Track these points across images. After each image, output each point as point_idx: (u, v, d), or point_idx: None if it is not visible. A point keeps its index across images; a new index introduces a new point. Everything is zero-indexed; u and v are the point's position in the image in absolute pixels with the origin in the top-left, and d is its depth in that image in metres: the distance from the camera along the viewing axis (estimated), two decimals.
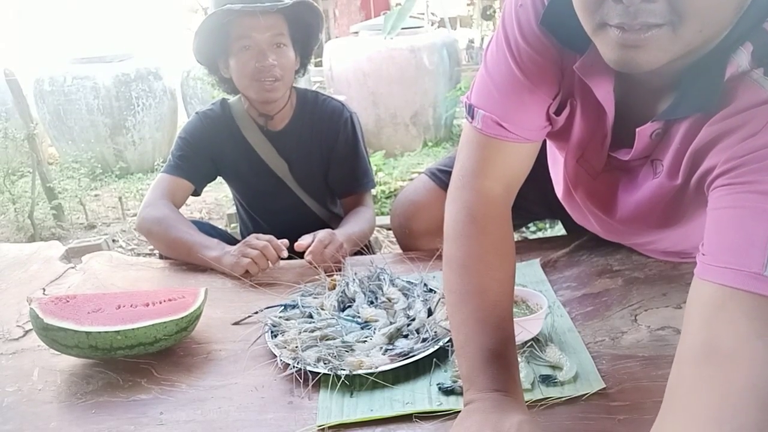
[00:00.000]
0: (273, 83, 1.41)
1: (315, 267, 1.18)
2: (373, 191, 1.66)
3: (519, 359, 0.86)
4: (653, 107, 0.77)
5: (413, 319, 0.98)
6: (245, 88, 1.46)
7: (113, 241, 3.62)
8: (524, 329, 0.89)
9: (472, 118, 0.84)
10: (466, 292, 0.78)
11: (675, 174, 0.77)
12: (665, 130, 0.77)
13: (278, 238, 1.27)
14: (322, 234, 1.27)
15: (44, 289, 1.25)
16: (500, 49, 0.81)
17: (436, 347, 0.90)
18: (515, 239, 0.93)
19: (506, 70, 0.81)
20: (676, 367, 0.58)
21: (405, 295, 1.06)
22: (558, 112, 0.84)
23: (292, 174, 1.57)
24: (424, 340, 0.91)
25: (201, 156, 1.53)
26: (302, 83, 1.57)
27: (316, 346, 0.92)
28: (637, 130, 0.76)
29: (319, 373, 0.86)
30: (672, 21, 0.60)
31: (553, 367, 0.86)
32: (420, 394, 0.83)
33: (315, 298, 1.09)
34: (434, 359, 0.90)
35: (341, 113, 1.55)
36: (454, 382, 0.83)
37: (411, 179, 4.40)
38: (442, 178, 1.43)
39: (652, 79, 0.73)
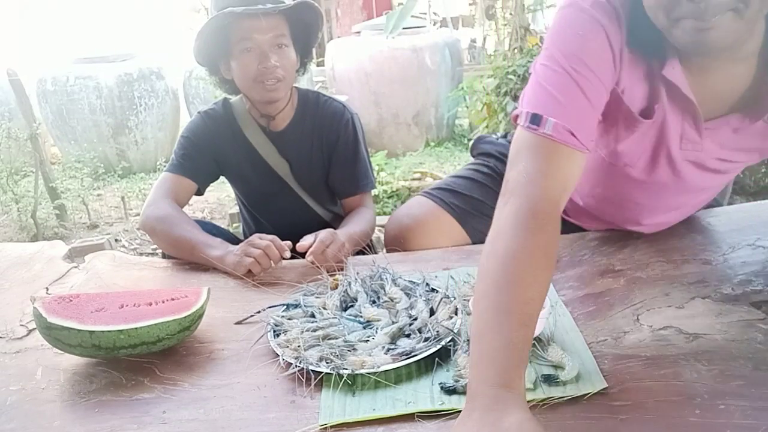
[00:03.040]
0: (275, 84, 1.41)
1: (317, 267, 1.19)
2: (375, 191, 1.66)
3: None
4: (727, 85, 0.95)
5: (415, 319, 0.98)
6: (248, 90, 1.46)
7: (116, 240, 3.63)
8: None
9: (538, 125, 0.89)
10: (506, 282, 0.77)
11: None
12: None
13: (280, 238, 1.27)
14: (323, 234, 1.27)
15: (47, 289, 1.26)
16: (570, 68, 0.91)
17: (438, 347, 0.90)
18: None
19: (573, 85, 0.91)
20: None
21: (407, 294, 1.06)
22: (647, 116, 0.99)
23: (293, 174, 1.57)
24: (426, 339, 0.91)
25: (204, 155, 1.53)
26: (304, 83, 1.57)
27: (319, 345, 0.92)
28: None
29: (321, 372, 0.86)
30: (737, 8, 0.76)
31: (556, 367, 0.86)
32: (422, 394, 0.83)
33: (317, 297, 1.09)
34: (436, 359, 0.90)
35: (342, 114, 1.56)
36: (456, 381, 0.83)
37: (413, 179, 4.40)
38: (439, 196, 1.46)
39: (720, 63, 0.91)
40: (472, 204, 1.44)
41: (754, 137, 1.02)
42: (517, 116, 0.95)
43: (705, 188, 1.20)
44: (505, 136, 1.62)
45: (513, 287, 0.77)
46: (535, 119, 0.91)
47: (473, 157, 1.62)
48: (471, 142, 1.64)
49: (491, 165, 1.51)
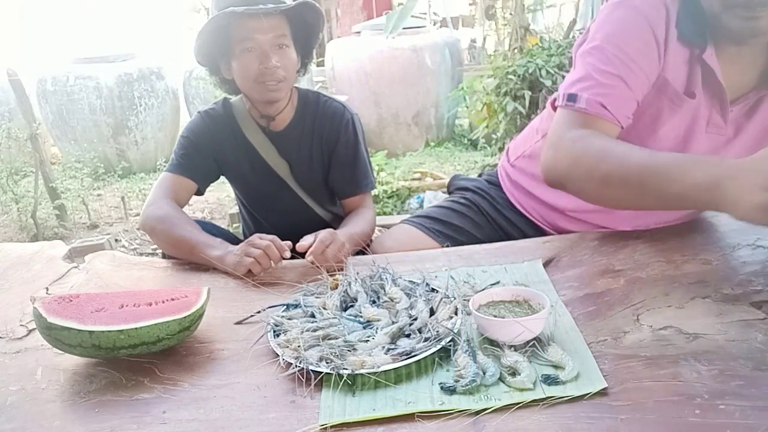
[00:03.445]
0: (276, 84, 1.41)
1: (317, 267, 1.19)
2: (375, 191, 1.67)
3: (521, 358, 0.86)
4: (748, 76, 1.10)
5: (415, 319, 0.98)
6: (248, 90, 1.46)
7: (116, 240, 3.63)
8: (526, 329, 0.89)
9: (574, 102, 1.06)
10: (652, 154, 0.98)
11: None
12: None
13: (280, 238, 1.27)
14: (323, 234, 1.27)
15: (47, 289, 1.26)
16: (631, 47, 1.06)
17: (439, 347, 0.90)
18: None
19: (612, 68, 1.05)
20: None
21: (407, 294, 1.06)
22: (691, 95, 1.09)
23: (292, 174, 1.57)
24: (426, 339, 0.91)
25: (204, 155, 1.53)
26: (304, 83, 1.58)
27: (319, 345, 0.92)
28: None
29: (321, 372, 0.86)
30: None
31: (556, 367, 0.86)
32: (422, 394, 0.83)
33: (317, 297, 1.09)
34: (436, 359, 0.90)
35: (342, 115, 1.56)
36: (456, 381, 0.83)
37: (413, 179, 4.40)
38: (421, 222, 1.52)
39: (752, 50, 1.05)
40: (453, 229, 1.50)
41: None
42: (555, 100, 1.09)
43: None
44: (480, 176, 1.70)
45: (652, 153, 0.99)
46: (572, 97, 1.05)
47: (450, 194, 1.67)
48: (447, 181, 1.74)
49: (468, 197, 1.57)
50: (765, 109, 1.10)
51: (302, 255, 1.25)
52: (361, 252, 1.39)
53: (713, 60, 1.05)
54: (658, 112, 1.12)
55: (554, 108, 1.11)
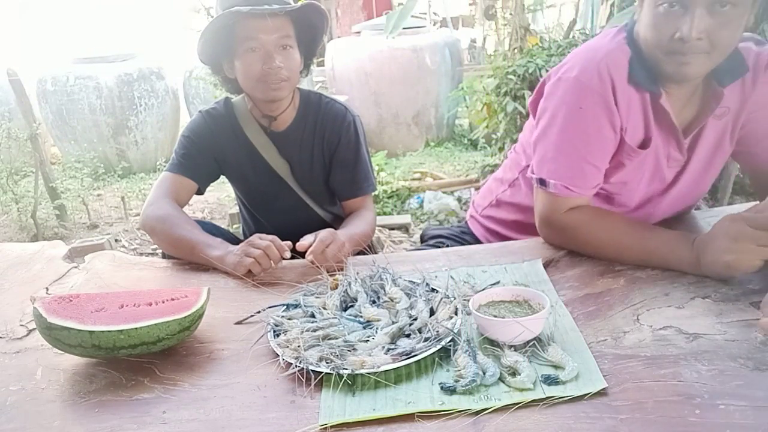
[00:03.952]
0: (279, 83, 1.41)
1: (317, 267, 1.19)
2: (375, 191, 1.67)
3: (521, 358, 0.86)
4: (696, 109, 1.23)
5: (415, 319, 0.98)
6: (251, 89, 1.46)
7: (116, 240, 3.63)
8: (526, 329, 0.89)
9: (546, 186, 1.23)
10: (630, 221, 1.21)
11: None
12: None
13: (280, 238, 1.27)
14: (323, 234, 1.27)
15: (47, 289, 1.26)
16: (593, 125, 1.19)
17: (438, 347, 0.90)
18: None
19: (572, 147, 1.21)
20: None
21: (407, 294, 1.06)
22: (644, 147, 1.22)
23: (293, 175, 1.57)
24: (426, 339, 0.91)
25: (204, 154, 1.53)
26: (304, 83, 1.57)
27: (319, 345, 0.92)
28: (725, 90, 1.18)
29: (321, 372, 0.86)
30: (709, 50, 1.07)
31: (556, 367, 0.86)
32: (422, 394, 0.83)
33: (317, 297, 1.09)
34: (436, 359, 0.90)
35: (344, 117, 1.56)
36: (456, 381, 0.83)
37: (413, 179, 4.40)
38: None
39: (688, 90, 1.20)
40: None
41: (713, 139, 1.26)
42: (530, 169, 1.27)
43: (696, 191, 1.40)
44: (459, 223, 1.74)
45: (633, 221, 1.22)
46: (542, 182, 1.23)
47: (423, 242, 1.68)
48: (420, 234, 1.78)
49: (445, 243, 1.57)
50: (709, 133, 1.24)
51: (302, 255, 1.25)
52: (361, 252, 1.39)
53: (667, 103, 1.17)
54: (620, 164, 1.25)
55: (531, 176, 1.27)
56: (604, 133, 1.19)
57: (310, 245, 1.24)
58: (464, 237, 1.61)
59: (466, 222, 1.67)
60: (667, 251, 1.11)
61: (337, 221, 1.59)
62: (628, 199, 1.32)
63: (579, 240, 1.22)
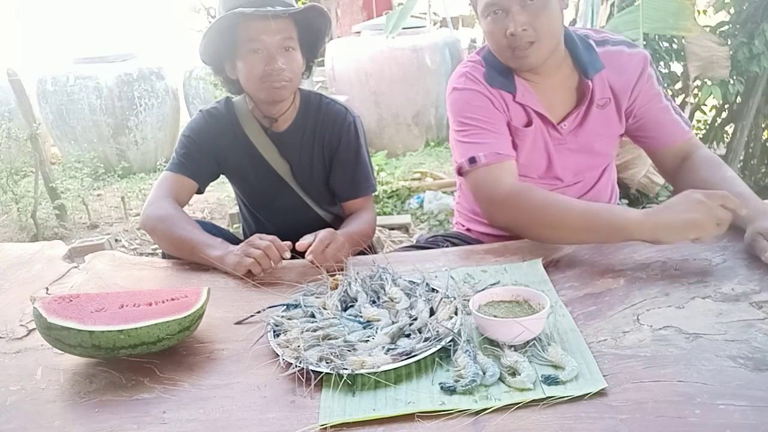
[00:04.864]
0: (281, 83, 1.41)
1: (317, 267, 1.19)
2: (375, 192, 1.67)
3: (521, 358, 0.86)
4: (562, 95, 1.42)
5: (415, 319, 0.98)
6: (253, 90, 1.46)
7: (116, 240, 3.63)
8: (526, 329, 0.89)
9: (477, 163, 1.32)
10: (575, 203, 1.24)
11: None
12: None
13: (280, 238, 1.27)
14: (323, 234, 1.27)
15: (47, 289, 1.26)
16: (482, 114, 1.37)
17: (438, 347, 0.90)
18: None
19: (480, 129, 1.36)
20: None
21: (407, 294, 1.06)
22: (527, 126, 1.40)
23: (293, 175, 1.57)
24: (426, 339, 0.91)
25: (205, 154, 1.53)
26: (304, 83, 1.57)
27: (319, 345, 0.92)
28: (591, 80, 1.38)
29: (321, 372, 0.86)
30: (535, 39, 1.27)
31: (556, 367, 0.86)
32: (422, 394, 0.83)
33: (317, 297, 1.09)
34: (436, 359, 0.90)
35: (345, 117, 1.56)
36: (456, 381, 0.83)
37: (413, 179, 4.40)
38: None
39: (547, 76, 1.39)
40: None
41: (600, 123, 1.42)
42: (460, 168, 1.37)
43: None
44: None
45: (580, 203, 1.25)
46: (473, 160, 1.33)
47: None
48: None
49: (441, 243, 1.56)
50: (591, 120, 1.41)
51: (302, 255, 1.25)
52: (361, 252, 1.39)
53: (524, 98, 1.37)
54: (515, 145, 1.40)
55: (460, 173, 1.39)
56: (493, 111, 1.37)
57: (310, 245, 1.24)
58: (461, 238, 1.61)
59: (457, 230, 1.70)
60: (611, 212, 1.18)
61: (337, 221, 1.59)
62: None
63: (523, 208, 1.26)
